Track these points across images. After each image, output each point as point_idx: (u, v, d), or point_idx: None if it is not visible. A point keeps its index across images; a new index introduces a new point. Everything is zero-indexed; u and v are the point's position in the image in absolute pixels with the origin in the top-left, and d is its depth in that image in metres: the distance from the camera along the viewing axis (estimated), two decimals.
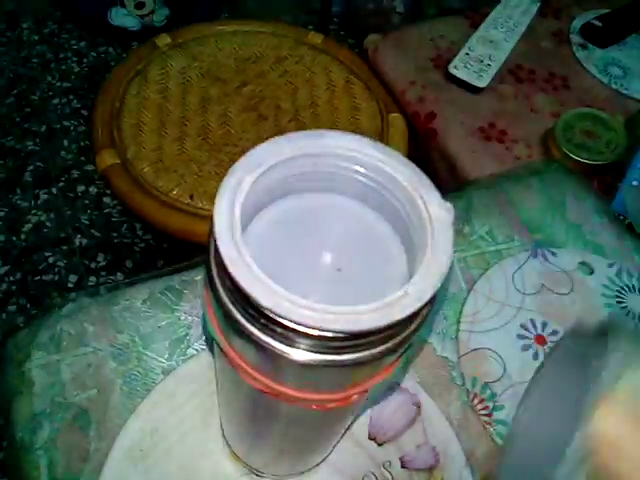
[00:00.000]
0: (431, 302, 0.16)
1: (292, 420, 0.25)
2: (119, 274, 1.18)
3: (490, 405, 0.40)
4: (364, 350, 0.17)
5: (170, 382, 0.38)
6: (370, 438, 0.37)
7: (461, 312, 0.43)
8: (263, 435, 0.29)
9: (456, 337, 0.42)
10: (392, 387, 0.39)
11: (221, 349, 0.20)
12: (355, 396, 0.20)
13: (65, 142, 1.35)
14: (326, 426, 0.26)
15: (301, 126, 0.72)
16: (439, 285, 0.16)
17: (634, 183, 0.55)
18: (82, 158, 1.33)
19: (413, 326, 0.17)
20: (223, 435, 0.35)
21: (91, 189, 1.29)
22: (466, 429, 0.39)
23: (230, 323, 0.17)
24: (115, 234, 1.23)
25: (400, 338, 0.17)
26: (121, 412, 0.37)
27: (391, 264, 0.19)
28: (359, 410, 0.36)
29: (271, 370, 0.18)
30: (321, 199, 0.20)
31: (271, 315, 0.15)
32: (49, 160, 1.32)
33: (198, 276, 0.44)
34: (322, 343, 0.16)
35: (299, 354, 0.16)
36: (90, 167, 1.31)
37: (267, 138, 0.64)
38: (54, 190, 1.27)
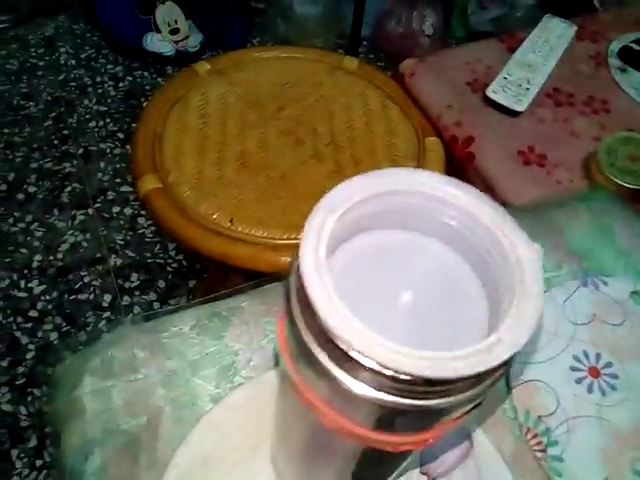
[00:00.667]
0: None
1: (354, 457, 0.24)
2: (152, 294, 1.19)
3: (544, 440, 0.38)
4: (451, 396, 0.16)
5: (218, 411, 0.38)
6: (422, 473, 0.36)
7: None
8: (320, 470, 0.28)
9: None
10: None
11: (293, 386, 0.20)
12: (431, 440, 0.20)
13: (102, 164, 1.38)
14: (389, 463, 0.26)
15: (338, 150, 0.72)
16: (533, 330, 0.15)
17: None
18: (117, 180, 1.36)
19: (500, 372, 0.17)
20: (274, 466, 0.35)
21: (126, 210, 1.31)
22: (520, 465, 0.38)
23: (310, 362, 0.17)
24: (149, 254, 1.25)
25: (488, 383, 0.17)
26: (170, 440, 0.37)
27: (470, 306, 0.19)
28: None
29: (350, 412, 0.18)
30: (401, 236, 0.20)
31: (363, 359, 0.15)
32: (86, 181, 1.35)
33: (244, 302, 0.44)
34: (412, 388, 0.16)
35: (386, 398, 0.16)
36: (125, 188, 1.34)
37: (304, 162, 0.64)
38: (90, 211, 1.30)
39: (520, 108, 0.67)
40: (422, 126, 0.75)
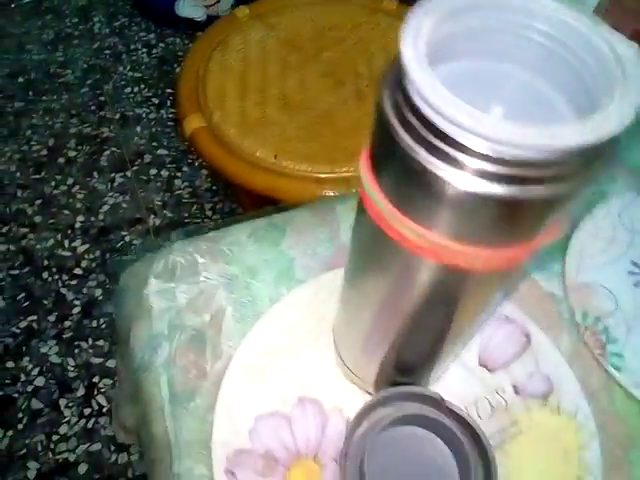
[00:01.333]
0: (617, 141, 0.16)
1: (425, 305, 0.24)
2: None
3: (603, 338, 0.39)
4: (556, 182, 0.16)
5: (279, 308, 0.39)
6: (480, 364, 0.37)
7: (567, 248, 0.43)
8: (382, 342, 0.29)
9: (562, 273, 0.42)
10: (500, 317, 0.39)
11: (368, 205, 0.21)
12: (524, 256, 0.20)
13: (138, 128, 1.40)
14: (457, 313, 0.26)
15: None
16: (637, 109, 0.16)
17: None
18: (154, 143, 1.38)
19: (609, 153, 0.17)
20: (337, 353, 0.36)
21: (163, 172, 1.33)
22: (578, 360, 0.38)
23: (407, 169, 0.18)
24: (186, 214, 1.27)
25: (592, 168, 0.17)
26: (233, 336, 0.39)
27: (560, 120, 0.19)
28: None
29: (428, 214, 0.19)
30: (495, 65, 0.20)
31: (463, 131, 0.15)
32: (123, 145, 1.37)
33: (296, 215, 0.45)
34: (517, 171, 0.16)
35: (471, 182, 0.16)
36: (161, 152, 1.36)
37: (345, 101, 0.65)
38: (128, 174, 1.33)
39: None
40: None
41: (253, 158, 0.66)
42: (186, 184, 1.31)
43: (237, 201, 1.10)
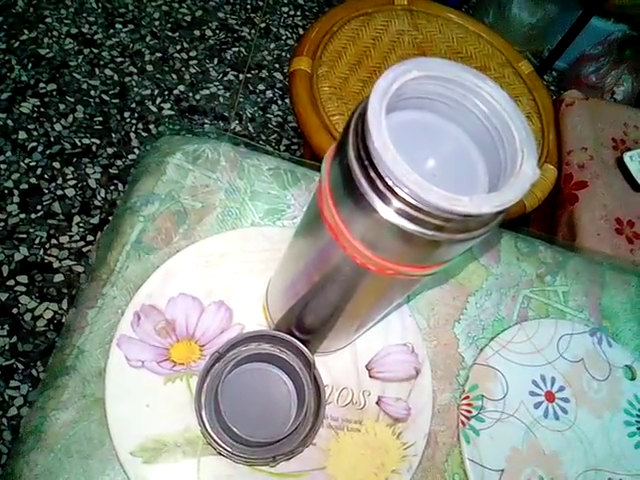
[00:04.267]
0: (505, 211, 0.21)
1: (353, 289, 0.30)
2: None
3: (474, 412, 0.43)
4: (463, 232, 0.22)
5: (254, 232, 0.45)
6: (367, 367, 0.43)
7: (499, 334, 0.47)
8: (297, 297, 0.35)
9: (481, 349, 0.46)
10: (407, 347, 0.44)
11: (326, 223, 0.26)
12: (413, 275, 0.25)
13: (272, 45, 1.48)
14: (354, 300, 0.32)
15: None
16: (523, 195, 0.21)
17: None
18: (276, 65, 1.46)
19: (498, 219, 0.22)
20: (267, 290, 0.42)
21: (268, 92, 1.41)
22: (443, 415, 0.43)
23: (351, 193, 0.23)
24: (263, 137, 1.35)
25: (481, 230, 0.22)
26: (208, 230, 0.45)
27: (476, 176, 0.24)
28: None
29: (374, 243, 0.24)
30: (439, 120, 0.25)
31: (402, 190, 0.21)
32: (251, 50, 1.46)
33: (317, 177, 0.51)
34: (430, 220, 0.21)
35: (411, 227, 0.21)
36: (278, 75, 1.44)
37: None
38: (241, 76, 1.42)
39: None
40: (550, 151, 0.76)
41: (327, 120, 0.71)
42: (279, 113, 1.39)
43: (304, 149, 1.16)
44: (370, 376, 0.42)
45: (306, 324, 0.39)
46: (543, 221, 0.71)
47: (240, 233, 0.45)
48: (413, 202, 0.21)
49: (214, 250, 0.44)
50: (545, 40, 1.60)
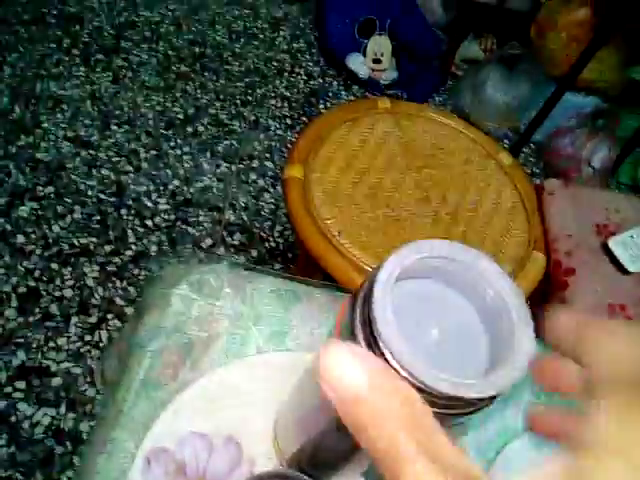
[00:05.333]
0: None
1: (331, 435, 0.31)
2: (242, 257, 1.32)
3: None
4: (452, 409, 0.23)
5: (260, 360, 0.46)
6: None
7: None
8: (307, 433, 0.36)
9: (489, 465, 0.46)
10: None
11: None
12: None
13: (262, 136, 1.55)
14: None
15: (454, 222, 0.79)
16: (517, 381, 0.22)
17: None
18: (266, 154, 1.51)
19: (488, 402, 0.23)
20: (276, 421, 0.42)
21: (260, 181, 1.46)
22: None
23: (354, 336, 0.25)
24: (257, 225, 1.38)
25: (475, 408, 0.23)
26: (214, 360, 0.46)
27: (477, 349, 0.25)
28: None
29: None
30: (446, 291, 0.27)
31: (399, 369, 0.22)
32: (242, 142, 1.52)
33: (318, 293, 0.53)
34: (426, 397, 0.22)
35: None
36: (269, 164, 1.49)
37: (422, 217, 0.72)
38: (234, 167, 1.47)
39: (631, 269, 0.70)
40: (537, 239, 0.79)
41: (322, 224, 0.74)
42: (272, 201, 1.43)
43: (299, 251, 1.19)
44: None
45: (316, 462, 0.39)
46: (534, 309, 0.73)
47: (245, 362, 0.46)
48: (421, 387, 0.22)
49: (220, 383, 0.45)
50: (521, 115, 1.68)
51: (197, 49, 1.70)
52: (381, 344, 0.22)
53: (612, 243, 0.74)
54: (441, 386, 0.21)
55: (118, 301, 1.19)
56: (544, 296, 0.75)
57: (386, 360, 0.22)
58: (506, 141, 1.70)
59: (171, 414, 0.42)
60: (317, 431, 0.35)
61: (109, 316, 1.18)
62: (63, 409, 1.07)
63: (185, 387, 0.44)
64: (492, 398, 0.23)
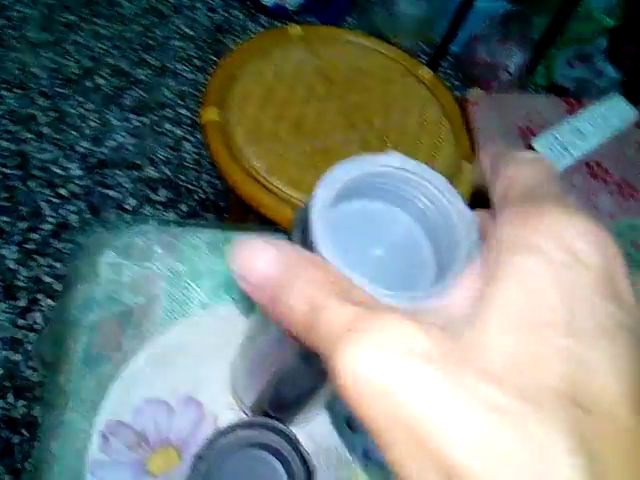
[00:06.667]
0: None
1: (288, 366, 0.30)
2: (172, 214, 1.27)
3: None
4: None
5: (205, 315, 0.44)
6: (347, 424, 0.43)
7: None
8: (264, 379, 0.35)
9: None
10: None
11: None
12: None
13: (171, 82, 1.45)
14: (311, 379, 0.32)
15: (382, 145, 0.78)
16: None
17: None
18: (179, 101, 1.42)
19: None
20: (232, 372, 0.41)
21: (177, 131, 1.38)
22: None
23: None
24: (182, 177, 1.32)
25: None
26: (157, 324, 0.44)
27: (423, 264, 0.25)
28: None
29: None
30: (384, 207, 0.25)
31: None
32: (150, 91, 1.42)
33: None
34: None
35: None
36: (183, 111, 1.41)
37: (349, 144, 0.70)
38: (145, 120, 1.37)
39: (557, 167, 0.72)
40: (465, 151, 0.80)
41: (249, 166, 0.71)
42: (194, 150, 1.36)
43: (229, 197, 1.15)
44: (352, 430, 0.43)
45: (279, 403, 0.38)
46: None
47: (191, 321, 0.44)
48: None
49: (168, 345, 0.43)
50: (435, 28, 1.66)
51: None
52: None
53: (536, 144, 0.75)
54: (384, 301, 0.21)
55: (46, 279, 1.12)
56: (473, 207, 0.76)
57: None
58: (424, 56, 1.69)
59: (121, 386, 0.40)
60: (272, 373, 0.34)
61: (39, 296, 1.11)
62: (11, 398, 1.01)
63: (131, 356, 0.42)
64: None
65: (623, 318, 0.14)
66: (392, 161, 0.24)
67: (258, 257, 0.17)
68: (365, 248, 0.25)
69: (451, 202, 0.24)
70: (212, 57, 1.52)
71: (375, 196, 0.26)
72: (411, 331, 0.13)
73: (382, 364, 0.13)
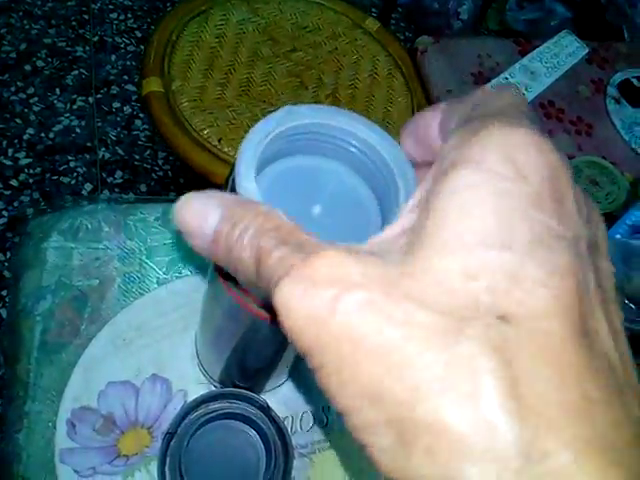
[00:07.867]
0: None
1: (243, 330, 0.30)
2: (131, 194, 1.23)
3: None
4: None
5: (163, 291, 0.43)
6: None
7: None
8: (224, 344, 0.34)
9: None
10: None
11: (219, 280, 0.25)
12: None
13: (113, 57, 1.38)
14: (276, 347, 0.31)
15: (335, 103, 0.76)
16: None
17: (617, 236, 0.59)
18: (124, 77, 1.37)
19: None
20: (195, 346, 0.40)
21: (126, 108, 1.33)
22: None
23: None
24: (137, 157, 1.28)
25: None
26: (114, 306, 0.43)
27: (365, 212, 0.24)
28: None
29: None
30: (318, 161, 0.24)
31: None
32: (93, 69, 1.36)
33: None
34: None
35: None
36: (130, 87, 1.36)
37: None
38: (91, 100, 1.32)
39: None
40: (420, 102, 0.78)
41: (198, 136, 0.69)
42: (146, 127, 1.32)
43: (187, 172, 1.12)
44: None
45: (246, 372, 0.38)
46: None
47: (149, 298, 0.43)
48: None
49: (128, 325, 0.41)
50: None
51: None
52: None
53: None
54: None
55: (6, 274, 1.09)
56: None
57: None
58: (373, 10, 1.65)
59: (83, 371, 0.39)
60: (234, 343, 0.33)
61: (2, 293, 1.08)
62: None
63: (90, 340, 0.41)
64: None
65: (563, 230, 0.14)
66: (315, 113, 0.23)
67: (204, 213, 0.17)
68: (306, 204, 0.24)
69: (380, 143, 0.23)
70: (153, 27, 1.46)
71: (309, 152, 0.25)
72: (337, 260, 0.14)
73: (309, 294, 0.13)
